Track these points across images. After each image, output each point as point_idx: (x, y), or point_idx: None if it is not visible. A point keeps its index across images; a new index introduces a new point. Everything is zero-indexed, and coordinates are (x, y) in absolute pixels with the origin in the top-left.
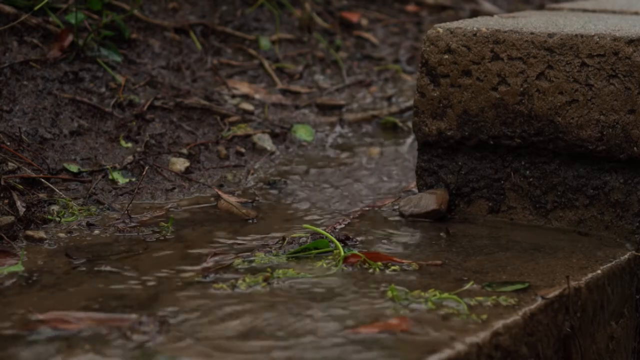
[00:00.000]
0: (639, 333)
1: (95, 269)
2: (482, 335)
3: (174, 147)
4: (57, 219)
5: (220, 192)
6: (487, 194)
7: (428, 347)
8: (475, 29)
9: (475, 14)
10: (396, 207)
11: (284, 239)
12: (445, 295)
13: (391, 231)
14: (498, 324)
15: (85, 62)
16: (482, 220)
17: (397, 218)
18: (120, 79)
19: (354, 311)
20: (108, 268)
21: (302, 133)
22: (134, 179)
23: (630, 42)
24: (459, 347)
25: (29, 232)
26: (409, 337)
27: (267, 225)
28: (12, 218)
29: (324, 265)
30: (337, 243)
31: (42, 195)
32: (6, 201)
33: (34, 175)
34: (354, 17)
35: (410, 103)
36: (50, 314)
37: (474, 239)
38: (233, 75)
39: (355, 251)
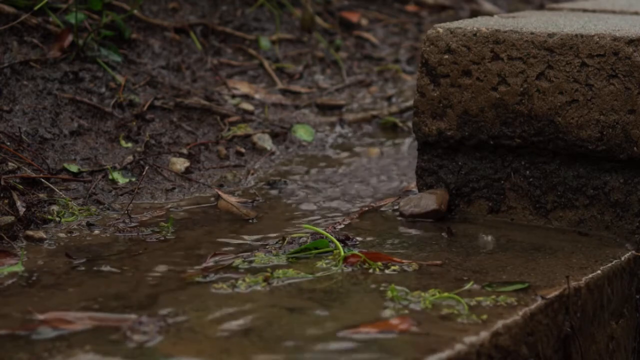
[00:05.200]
0: (639, 333)
1: (95, 269)
2: (482, 335)
3: (174, 147)
4: (57, 219)
5: (220, 192)
6: (487, 194)
7: (428, 347)
8: (475, 29)
9: (475, 14)
10: (396, 207)
11: (284, 239)
12: (445, 295)
13: (391, 231)
14: (498, 324)
15: (85, 62)
16: (482, 220)
17: (397, 218)
18: (120, 79)
19: (354, 311)
20: (108, 268)
21: (302, 133)
22: (134, 179)
23: (630, 42)
24: (459, 347)
25: (29, 232)
26: (409, 337)
27: (267, 225)
28: (12, 218)
29: (324, 265)
30: (337, 243)
31: (42, 195)
32: (6, 201)
33: (34, 175)
34: (354, 17)
35: (410, 103)
36: (50, 314)
37: (474, 239)
38: (233, 75)
39: (355, 251)
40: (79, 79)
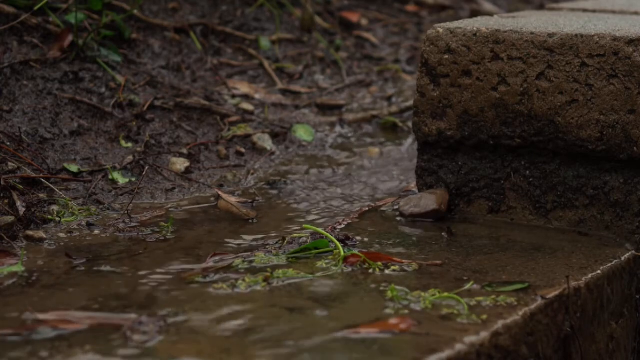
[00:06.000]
0: (639, 333)
1: (95, 269)
2: (482, 335)
3: (174, 147)
4: (57, 219)
5: (220, 192)
6: (487, 194)
7: (428, 347)
8: (475, 29)
9: (475, 14)
10: (396, 207)
11: (284, 239)
12: (445, 295)
13: (391, 231)
14: (498, 324)
15: (85, 62)
16: (482, 220)
17: (397, 218)
18: (120, 79)
19: (354, 311)
20: (108, 268)
21: (302, 133)
22: (134, 179)
23: (630, 42)
24: (459, 347)
25: (29, 232)
26: (409, 337)
27: (267, 225)
28: (12, 218)
29: (324, 265)
30: (337, 243)
31: (42, 195)
32: (6, 201)
33: (34, 175)
34: (354, 17)
35: (410, 103)
36: (50, 314)
37: (474, 239)
38: (233, 75)
39: (355, 251)
40: (79, 79)
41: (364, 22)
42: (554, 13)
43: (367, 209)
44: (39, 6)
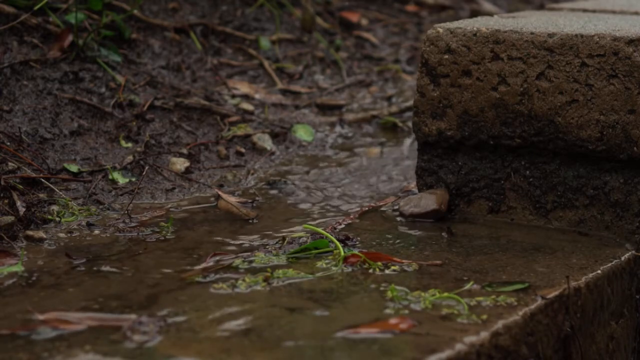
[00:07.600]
0: (639, 333)
1: (95, 269)
2: (482, 335)
3: (174, 147)
4: (57, 219)
5: (220, 192)
6: (487, 194)
7: (428, 347)
8: (475, 29)
9: (475, 14)
10: (396, 207)
11: (284, 239)
12: (445, 295)
13: (391, 231)
14: (498, 324)
15: (85, 62)
16: (482, 220)
17: (397, 218)
18: (120, 79)
19: (354, 311)
20: (108, 268)
21: (302, 133)
22: (134, 179)
23: (630, 42)
24: (459, 347)
25: (29, 232)
26: (409, 337)
27: (267, 225)
28: (12, 218)
29: (324, 265)
30: (337, 243)
31: (42, 195)
32: (6, 201)
33: (34, 175)
34: (354, 17)
35: (410, 103)
36: (50, 314)
37: (474, 239)
38: (233, 75)
39: (355, 251)
40: (79, 79)
41: (364, 22)
42: (554, 13)
43: (367, 209)
44: (39, 6)
